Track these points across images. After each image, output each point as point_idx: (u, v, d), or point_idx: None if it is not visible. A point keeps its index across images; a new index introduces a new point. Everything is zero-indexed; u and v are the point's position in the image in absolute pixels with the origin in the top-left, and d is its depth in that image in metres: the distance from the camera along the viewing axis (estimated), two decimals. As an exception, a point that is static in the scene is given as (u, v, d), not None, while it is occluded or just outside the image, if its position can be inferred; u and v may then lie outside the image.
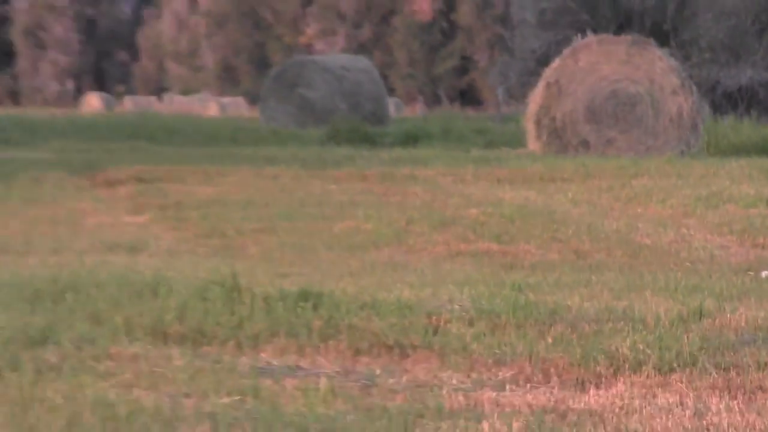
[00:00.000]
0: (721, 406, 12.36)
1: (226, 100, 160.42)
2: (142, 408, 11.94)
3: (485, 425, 11.12)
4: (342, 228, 32.85)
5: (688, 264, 26.25)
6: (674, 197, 35.89)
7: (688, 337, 15.18)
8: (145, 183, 41.42)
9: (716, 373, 13.83)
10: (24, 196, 42.07)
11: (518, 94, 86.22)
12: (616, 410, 12.23)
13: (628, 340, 14.67)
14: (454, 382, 13.56)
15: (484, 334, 15.35)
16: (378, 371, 13.88)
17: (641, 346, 14.33)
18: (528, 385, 13.72)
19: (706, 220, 33.29)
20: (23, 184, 42.94)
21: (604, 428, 11.93)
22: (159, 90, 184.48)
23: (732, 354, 14.67)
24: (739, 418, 11.82)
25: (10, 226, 34.35)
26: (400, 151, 59.65)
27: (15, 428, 11.13)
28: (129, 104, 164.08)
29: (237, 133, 75.28)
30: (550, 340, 14.73)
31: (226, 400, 12.45)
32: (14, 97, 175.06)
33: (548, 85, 55.34)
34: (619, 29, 78.83)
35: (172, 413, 11.75)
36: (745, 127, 67.28)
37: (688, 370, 13.81)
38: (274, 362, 14.57)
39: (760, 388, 12.62)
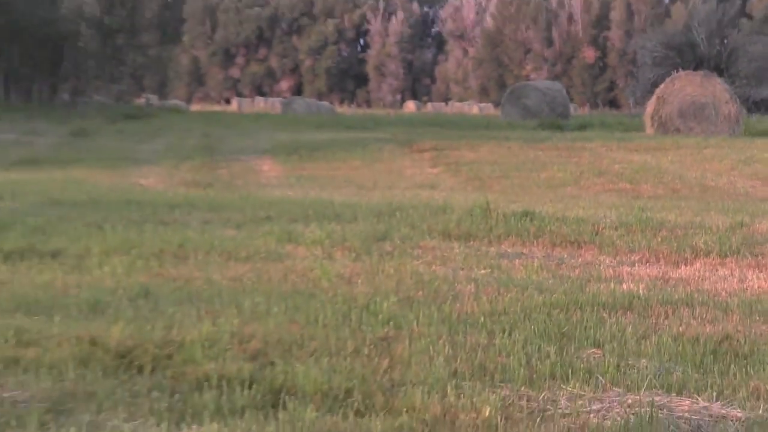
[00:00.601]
0: (754, 277, 19.46)
1: (482, 105, 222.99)
2: (436, 276, 18.10)
3: (624, 286, 17.60)
4: (544, 176, 49.94)
5: (734, 196, 41.34)
6: (726, 159, 56.40)
7: (734, 237, 23.57)
8: (438, 150, 61.22)
9: (751, 257, 21.63)
10: (372, 158, 58.57)
11: (641, 102, 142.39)
12: (696, 278, 19.45)
13: (702, 238, 22.97)
14: (607, 262, 21.07)
15: (623, 235, 23.72)
16: (565, 255, 21.59)
17: (709, 242, 22.63)
18: (647, 264, 21.00)
19: (744, 172, 52.27)
20: (372, 151, 60.62)
21: (689, 287, 17.96)
22: (446, 99, 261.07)
23: (760, 247, 22.89)
24: (764, 284, 18.73)
25: (363, 174, 49.83)
26: (576, 133, 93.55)
27: (370, 286, 16.78)
28: (430, 107, 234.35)
29: (488, 124, 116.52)
30: (659, 239, 23.13)
31: (482, 271, 19.10)
32: (368, 103, 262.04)
33: (657, 98, 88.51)
34: (697, 66, 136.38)
35: (453, 278, 17.94)
36: (766, 121, 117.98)
37: (735, 256, 21.72)
38: (509, 250, 22.01)
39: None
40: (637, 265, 20.56)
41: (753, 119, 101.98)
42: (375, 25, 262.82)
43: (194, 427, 9.57)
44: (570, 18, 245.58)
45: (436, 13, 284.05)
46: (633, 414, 10.29)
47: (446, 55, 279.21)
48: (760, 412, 10.62)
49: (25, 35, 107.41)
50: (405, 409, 10.14)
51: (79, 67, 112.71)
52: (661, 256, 21.60)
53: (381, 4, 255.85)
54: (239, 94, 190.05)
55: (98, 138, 70.71)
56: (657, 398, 10.84)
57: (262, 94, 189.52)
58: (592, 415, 10.27)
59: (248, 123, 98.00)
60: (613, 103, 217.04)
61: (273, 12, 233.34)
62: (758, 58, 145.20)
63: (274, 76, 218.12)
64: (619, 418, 10.18)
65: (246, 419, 9.80)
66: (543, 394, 10.95)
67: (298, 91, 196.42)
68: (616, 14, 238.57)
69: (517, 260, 20.72)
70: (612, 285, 17.75)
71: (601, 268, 20.02)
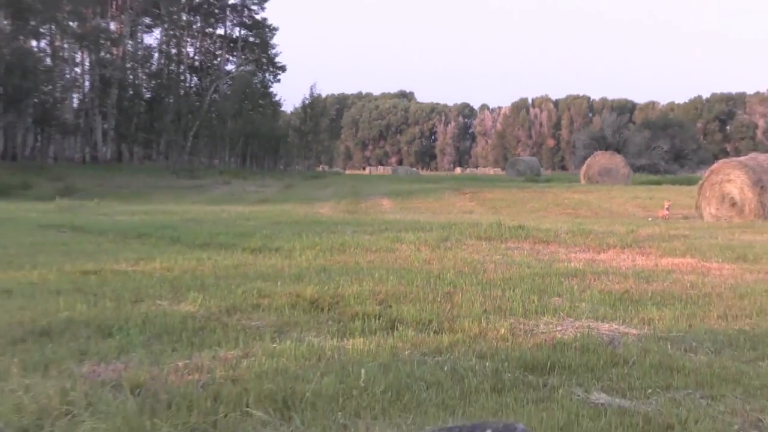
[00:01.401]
0: (641, 259, 19.58)
1: (496, 169, 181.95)
2: (474, 259, 18.61)
3: (572, 264, 18.24)
4: (529, 206, 48.11)
5: (627, 217, 40.01)
6: (623, 197, 51.66)
7: (629, 238, 24.09)
8: (473, 193, 57.25)
9: (638, 248, 22.00)
10: (439, 197, 54.90)
11: (578, 167, 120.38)
12: (609, 259, 19.54)
13: (612, 238, 23.46)
14: (562, 251, 21.29)
15: (570, 237, 23.91)
16: (541, 248, 22.09)
17: (616, 240, 22.56)
18: (583, 252, 21.14)
19: (632, 203, 46.83)
20: (439, 194, 53.00)
21: (606, 264, 18.35)
22: (476, 166, 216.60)
23: (642, 243, 22.49)
24: (647, 262, 18.87)
25: (434, 206, 48.65)
26: (544, 184, 79.41)
27: (440, 265, 17.39)
28: (468, 171, 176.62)
29: (498, 179, 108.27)
30: (589, 239, 23.30)
31: (497, 257, 19.49)
32: (436, 168, 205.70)
33: (587, 165, 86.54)
34: (607, 149, 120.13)
35: (483, 261, 18.48)
36: (642, 177, 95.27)
37: (630, 248, 21.85)
38: (511, 245, 22.02)
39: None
40: (578, 252, 21.04)
41: (635, 176, 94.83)
42: (440, 128, 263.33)
43: (351, 340, 10.70)
44: (540, 124, 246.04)
45: (471, 122, 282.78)
46: (579, 332, 11.42)
47: (476, 143, 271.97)
48: (645, 330, 11.72)
49: (260, 135, 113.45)
50: (459, 330, 11.35)
51: (288, 152, 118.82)
52: (590, 248, 22.05)
53: (443, 118, 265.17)
54: (370, 164, 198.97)
55: (298, 188, 72.89)
56: (591, 323, 12.11)
57: (381, 164, 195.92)
58: (558, 333, 11.40)
59: (375, 180, 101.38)
60: (564, 167, 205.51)
61: (387, 122, 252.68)
62: (638, 144, 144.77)
63: (388, 154, 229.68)
64: (571, 334, 11.28)
65: (377, 336, 11.00)
66: (531, 322, 12.14)
67: (400, 162, 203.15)
68: (565, 121, 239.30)
69: (515, 251, 21.41)
70: (565, 264, 18.80)
71: (560, 255, 20.66)
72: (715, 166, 39.70)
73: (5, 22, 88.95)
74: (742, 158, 39.17)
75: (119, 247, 21.72)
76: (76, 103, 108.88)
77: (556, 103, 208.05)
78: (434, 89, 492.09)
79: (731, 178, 36.55)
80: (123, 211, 38.59)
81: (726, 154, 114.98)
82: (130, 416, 6.82)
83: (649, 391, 8.68)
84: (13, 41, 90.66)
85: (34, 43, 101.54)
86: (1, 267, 17.51)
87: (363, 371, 8.70)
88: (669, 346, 10.60)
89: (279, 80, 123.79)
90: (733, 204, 36.17)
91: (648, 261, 19.41)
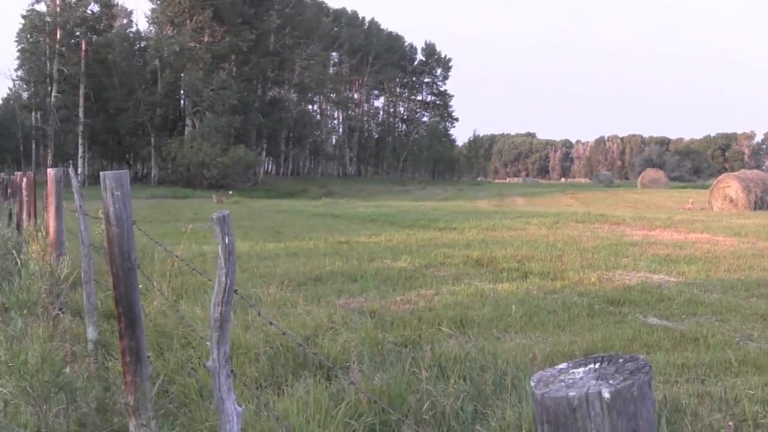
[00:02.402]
0: (682, 235, 18.56)
1: None
2: (600, 235, 18.41)
3: (644, 240, 17.43)
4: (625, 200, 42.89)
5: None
6: (663, 196, 42.08)
7: (669, 220, 21.66)
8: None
9: (674, 228, 20.15)
10: (542, 196, 49.29)
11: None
12: (655, 235, 18.61)
13: (659, 221, 20.85)
14: (633, 230, 19.76)
15: (635, 219, 21.86)
16: (608, 227, 20.29)
17: (663, 221, 20.73)
18: (667, 231, 19.56)
19: (672, 200, 43.23)
20: (545, 195, 50.56)
21: (656, 239, 17.76)
22: None
23: (677, 225, 20.88)
24: (670, 236, 18.00)
25: (554, 201, 43.36)
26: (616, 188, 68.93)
27: (553, 238, 16.81)
28: None
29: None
30: (657, 223, 21.12)
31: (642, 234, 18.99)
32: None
33: (641, 176, 76.36)
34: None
35: (587, 236, 18.13)
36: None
37: (671, 227, 20.32)
38: (605, 227, 21.24)
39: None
40: (637, 230, 20.25)
41: (671, 183, 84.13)
42: (551, 154, 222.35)
43: (500, 284, 10.56)
44: (612, 151, 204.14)
45: (570, 150, 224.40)
46: (639, 280, 11.21)
47: (574, 163, 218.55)
48: (680, 279, 11.47)
49: (443, 159, 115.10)
50: (566, 278, 11.19)
51: (459, 169, 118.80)
52: (644, 227, 20.87)
53: (553, 148, 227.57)
54: (509, 176, 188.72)
55: (465, 191, 72.21)
56: (647, 275, 11.84)
57: (516, 176, 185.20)
58: (626, 280, 11.19)
59: (512, 186, 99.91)
60: (627, 178, 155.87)
61: (519, 151, 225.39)
62: (672, 164, 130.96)
63: (520, 170, 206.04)
64: (635, 281, 11.08)
65: (516, 282, 10.84)
66: (610, 273, 11.84)
67: (527, 175, 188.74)
68: (627, 150, 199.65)
69: (599, 229, 20.53)
70: (630, 237, 18.26)
71: (626, 231, 19.92)
72: (720, 177, 41.09)
73: (294, 96, 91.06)
74: (736, 173, 40.17)
75: (360, 227, 21.91)
76: (334, 141, 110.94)
77: (622, 139, 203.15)
78: (548, 129, 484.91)
79: (729, 185, 37.62)
80: (361, 205, 38.96)
81: (726, 170, 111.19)
82: (369, 330, 6.83)
83: (683, 316, 8.73)
84: (299, 106, 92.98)
85: (310, 107, 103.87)
86: (292, 239, 17.87)
87: (513, 306, 8.65)
88: (695, 289, 10.53)
89: (454, 126, 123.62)
90: (731, 201, 36.76)
91: (680, 236, 18.84)
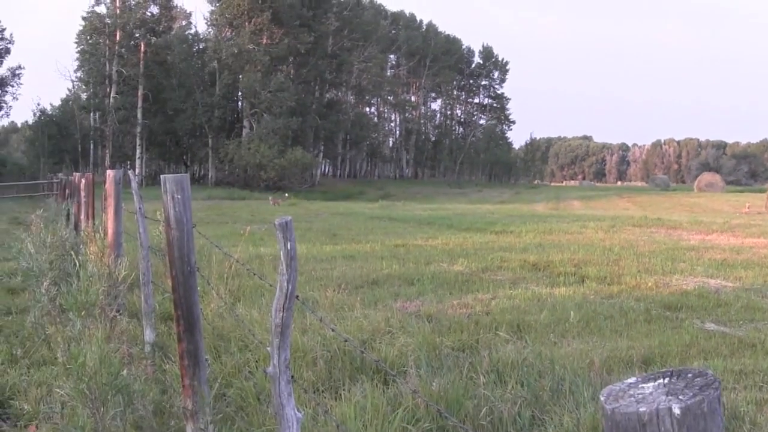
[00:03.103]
0: (737, 240, 17.94)
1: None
2: (653, 239, 17.93)
3: (700, 242, 17.00)
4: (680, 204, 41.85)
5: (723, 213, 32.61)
6: (720, 200, 38.89)
7: (728, 224, 21.27)
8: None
9: (731, 232, 19.58)
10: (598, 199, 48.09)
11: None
12: (717, 239, 18.09)
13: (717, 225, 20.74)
14: (690, 234, 19.44)
15: (693, 224, 21.51)
16: (664, 232, 19.96)
17: (722, 226, 20.17)
18: (724, 235, 19.20)
19: (730, 204, 41.80)
20: (599, 198, 48.48)
21: (716, 243, 17.37)
22: None
23: (733, 229, 20.32)
24: (728, 240, 17.43)
25: (603, 204, 42.59)
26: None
27: (610, 242, 16.64)
28: None
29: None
30: (722, 228, 21.00)
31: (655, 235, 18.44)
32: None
33: (698, 180, 76.74)
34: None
35: (647, 241, 17.76)
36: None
37: (728, 231, 19.74)
38: (662, 232, 20.49)
39: None
40: (694, 234, 20.07)
41: (727, 187, 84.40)
42: (608, 157, 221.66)
43: (557, 289, 10.51)
44: (669, 155, 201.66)
45: (627, 154, 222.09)
46: (697, 285, 11.05)
47: (630, 166, 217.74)
48: (737, 284, 11.21)
49: (500, 162, 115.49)
50: (623, 283, 11.06)
51: (516, 171, 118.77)
52: (701, 231, 20.62)
53: (610, 151, 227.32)
54: (565, 179, 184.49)
55: (522, 194, 71.90)
56: (704, 279, 11.65)
57: (572, 179, 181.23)
58: (683, 285, 11.03)
59: (569, 189, 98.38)
60: (683, 181, 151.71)
61: (576, 154, 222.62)
62: (729, 167, 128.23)
63: (576, 173, 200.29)
64: (692, 286, 10.92)
65: (573, 286, 10.79)
66: (667, 278, 11.70)
67: (584, 178, 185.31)
68: (684, 153, 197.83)
69: (656, 234, 20.22)
70: (687, 241, 18.04)
71: (683, 236, 19.70)
72: None
73: (351, 98, 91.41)
74: None
75: (416, 230, 21.92)
76: (390, 143, 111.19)
77: (678, 142, 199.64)
78: (604, 132, 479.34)
79: None
80: (418, 208, 38.97)
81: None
82: (426, 334, 6.80)
83: (741, 322, 8.66)
84: (356, 108, 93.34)
85: (367, 109, 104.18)
86: (349, 242, 17.92)
87: (570, 311, 8.58)
88: (752, 294, 10.41)
89: (511, 129, 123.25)
90: None
91: (737, 240, 18.60)
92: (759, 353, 7.10)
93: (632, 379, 1.21)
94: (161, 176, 4.56)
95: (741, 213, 36.31)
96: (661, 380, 1.19)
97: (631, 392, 1.17)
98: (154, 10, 71.31)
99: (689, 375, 1.18)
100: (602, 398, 1.17)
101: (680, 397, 1.12)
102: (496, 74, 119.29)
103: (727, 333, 7.94)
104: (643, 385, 1.19)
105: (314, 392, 5.41)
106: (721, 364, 6.57)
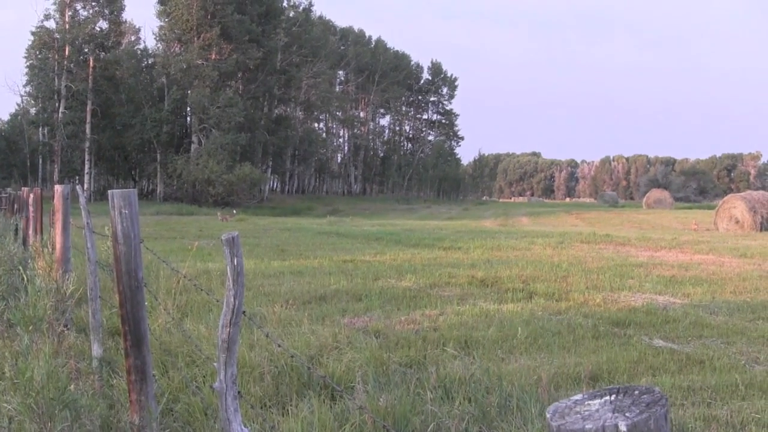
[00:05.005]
0: (683, 255, 18.23)
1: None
2: (600, 255, 18.26)
3: (648, 260, 17.25)
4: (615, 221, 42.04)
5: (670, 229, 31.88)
6: (668, 217, 41.17)
7: (676, 240, 21.17)
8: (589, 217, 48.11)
9: (679, 248, 19.91)
10: (545, 216, 49.11)
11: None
12: (665, 256, 18.14)
13: (663, 241, 20.39)
14: (637, 251, 19.18)
15: (640, 241, 21.25)
16: (612, 248, 19.89)
17: (668, 242, 20.45)
18: (672, 252, 19.19)
19: (677, 220, 42.37)
20: (546, 215, 48.98)
21: (665, 260, 17.48)
22: None
23: (682, 246, 20.51)
24: (672, 257, 17.72)
25: (549, 221, 42.54)
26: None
27: (559, 258, 16.58)
28: None
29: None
30: (663, 243, 20.51)
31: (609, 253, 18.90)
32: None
33: (647, 197, 77.63)
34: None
35: (593, 257, 18.01)
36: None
37: (678, 248, 19.91)
38: (610, 248, 20.93)
39: None
40: (642, 251, 20.11)
41: (676, 204, 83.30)
42: (557, 174, 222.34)
43: (505, 305, 10.54)
44: (618, 171, 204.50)
45: (576, 170, 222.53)
46: (645, 301, 11.15)
47: (579, 183, 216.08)
48: (685, 301, 11.39)
49: (448, 178, 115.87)
50: (571, 299, 11.13)
51: (464, 188, 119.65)
52: (650, 248, 20.84)
53: (558, 167, 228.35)
54: (514, 195, 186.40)
55: (470, 210, 72.24)
56: (652, 296, 11.75)
57: (521, 195, 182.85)
58: (632, 302, 11.12)
59: (517, 205, 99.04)
60: (632, 198, 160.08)
61: (524, 170, 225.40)
62: (678, 184, 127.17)
63: (525, 189, 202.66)
64: (640, 303, 11.01)
65: (521, 302, 10.78)
66: (615, 294, 11.73)
67: (532, 194, 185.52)
68: (633, 170, 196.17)
69: (604, 250, 20.30)
70: (635, 258, 18.16)
71: (631, 252, 19.70)
72: (725, 198, 40.57)
73: (300, 114, 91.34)
74: (742, 194, 39.83)
75: (364, 246, 21.86)
76: (339, 159, 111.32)
77: (627, 158, 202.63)
78: (553, 148, 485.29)
79: (735, 206, 37.25)
80: (366, 224, 38.96)
81: (731, 191, 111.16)
82: (374, 350, 6.85)
83: (689, 338, 8.72)
84: (304, 124, 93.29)
85: (316, 125, 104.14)
86: (297, 257, 17.82)
87: (518, 328, 8.62)
88: (700, 311, 10.48)
89: (460, 145, 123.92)
90: (737, 222, 36.52)
91: (686, 257, 18.82)
92: (707, 370, 7.18)
93: (579, 396, 1.21)
94: (109, 191, 4.56)
95: (689, 229, 36.88)
96: (607, 397, 1.19)
97: (578, 409, 1.17)
98: (103, 25, 70.52)
99: (636, 392, 1.19)
100: (548, 415, 1.17)
101: (627, 414, 1.12)
102: (445, 90, 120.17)
103: (675, 349, 8.02)
104: (590, 402, 1.19)
105: (261, 408, 5.37)
106: (669, 381, 6.65)
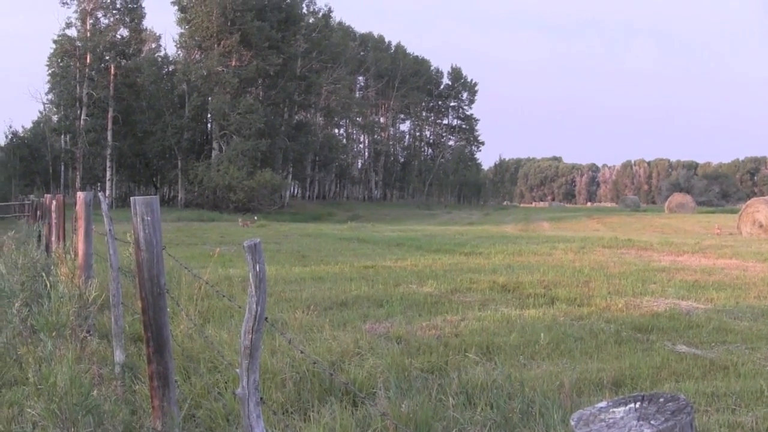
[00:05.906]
0: (703, 259, 18.13)
1: None
2: (622, 261, 18.17)
3: (671, 264, 17.03)
4: (650, 225, 42.13)
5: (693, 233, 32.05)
6: (690, 221, 40.77)
7: (698, 245, 21.25)
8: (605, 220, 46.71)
9: (702, 253, 19.66)
10: (566, 221, 48.92)
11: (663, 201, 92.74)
12: (684, 260, 18.06)
13: (686, 246, 20.85)
14: (659, 255, 19.09)
15: (660, 245, 21.21)
16: (634, 252, 19.81)
17: (691, 247, 20.24)
18: (695, 256, 19.12)
19: (700, 224, 41.31)
20: (569, 219, 47.82)
21: (683, 264, 17.37)
22: None
23: (704, 250, 20.40)
24: (696, 261, 17.53)
25: (572, 226, 42.45)
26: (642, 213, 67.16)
27: (581, 263, 16.51)
28: None
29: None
30: (684, 248, 20.64)
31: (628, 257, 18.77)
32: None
33: (669, 201, 73.95)
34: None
35: (616, 262, 17.85)
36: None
37: (698, 252, 19.77)
38: (631, 252, 20.64)
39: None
40: (665, 255, 20.06)
41: (698, 208, 79.72)
42: (578, 178, 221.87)
43: (527, 310, 10.52)
44: (639, 175, 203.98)
45: (597, 174, 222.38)
46: (668, 306, 11.07)
47: (600, 187, 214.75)
48: (709, 306, 11.30)
49: (469, 184, 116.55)
50: (593, 305, 11.07)
51: (485, 193, 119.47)
52: (672, 253, 20.62)
53: (580, 172, 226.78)
54: (535, 200, 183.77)
55: (491, 216, 71.90)
56: (675, 301, 11.69)
57: (542, 200, 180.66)
58: (654, 307, 11.01)
59: (538, 210, 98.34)
60: (654, 202, 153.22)
61: (545, 175, 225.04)
62: (700, 188, 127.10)
63: (546, 194, 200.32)
64: (663, 308, 10.94)
65: (543, 308, 10.77)
66: (638, 299, 11.70)
67: (553, 199, 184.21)
68: (654, 174, 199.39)
69: (626, 255, 20.08)
70: (657, 263, 17.94)
71: (653, 257, 19.66)
72: (749, 201, 39.78)
73: (320, 120, 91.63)
74: (765, 197, 39.29)
75: (385, 252, 21.86)
76: (359, 165, 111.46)
77: (649, 163, 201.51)
78: (574, 153, 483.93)
79: (759, 209, 36.60)
80: (386, 229, 38.89)
81: (755, 195, 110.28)
82: (395, 356, 6.83)
83: (713, 344, 8.62)
84: (325, 130, 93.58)
85: (336, 130, 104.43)
86: (318, 263, 17.84)
87: (540, 333, 8.57)
88: (724, 316, 10.40)
89: (480, 150, 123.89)
90: (761, 226, 35.98)
91: (709, 261, 18.62)
92: (731, 375, 7.11)
93: (603, 404, 1.21)
94: (131, 198, 4.58)
95: (712, 234, 36.48)
96: (632, 405, 1.19)
97: (602, 417, 1.16)
98: (124, 32, 71.03)
99: (661, 399, 1.18)
100: (573, 422, 1.16)
101: (652, 422, 1.12)
102: (465, 95, 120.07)
103: (699, 355, 7.94)
104: (615, 409, 1.18)
105: (283, 414, 5.39)
106: (692, 387, 6.58)
